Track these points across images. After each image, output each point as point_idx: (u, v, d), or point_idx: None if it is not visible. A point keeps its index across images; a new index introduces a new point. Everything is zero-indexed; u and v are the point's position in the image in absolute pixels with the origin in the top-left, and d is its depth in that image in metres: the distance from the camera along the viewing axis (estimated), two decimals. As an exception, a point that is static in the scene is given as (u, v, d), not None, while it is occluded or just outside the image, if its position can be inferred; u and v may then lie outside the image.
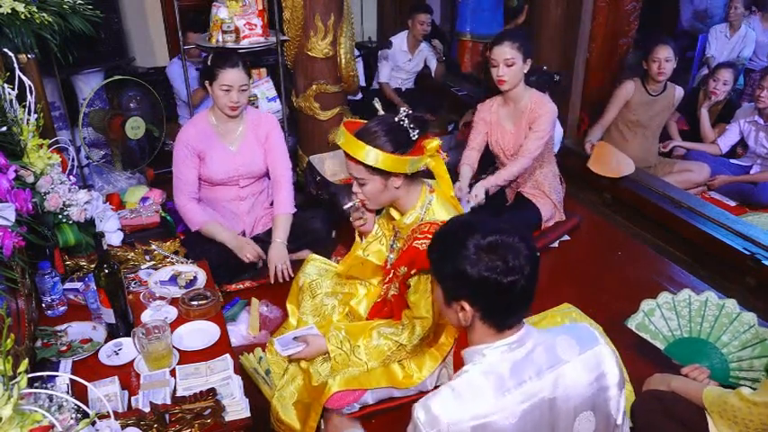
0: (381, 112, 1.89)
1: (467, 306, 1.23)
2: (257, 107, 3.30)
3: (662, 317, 2.25)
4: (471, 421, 1.15)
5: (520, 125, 2.94)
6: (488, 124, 3.05)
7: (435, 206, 1.86)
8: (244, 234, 2.74)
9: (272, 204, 2.82)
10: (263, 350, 2.26)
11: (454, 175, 2.45)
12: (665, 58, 3.43)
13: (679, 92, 3.61)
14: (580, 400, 1.24)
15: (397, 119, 1.78)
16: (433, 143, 1.81)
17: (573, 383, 1.23)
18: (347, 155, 1.79)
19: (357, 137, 1.77)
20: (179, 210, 2.67)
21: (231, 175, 2.66)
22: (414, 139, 1.78)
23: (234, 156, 2.65)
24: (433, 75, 4.92)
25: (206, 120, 2.65)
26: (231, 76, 2.48)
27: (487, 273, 1.17)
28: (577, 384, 1.24)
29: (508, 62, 2.79)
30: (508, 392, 1.18)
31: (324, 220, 2.84)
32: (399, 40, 4.68)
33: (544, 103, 2.89)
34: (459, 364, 1.69)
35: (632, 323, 2.27)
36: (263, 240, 2.69)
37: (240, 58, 2.53)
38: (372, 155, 1.72)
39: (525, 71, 2.85)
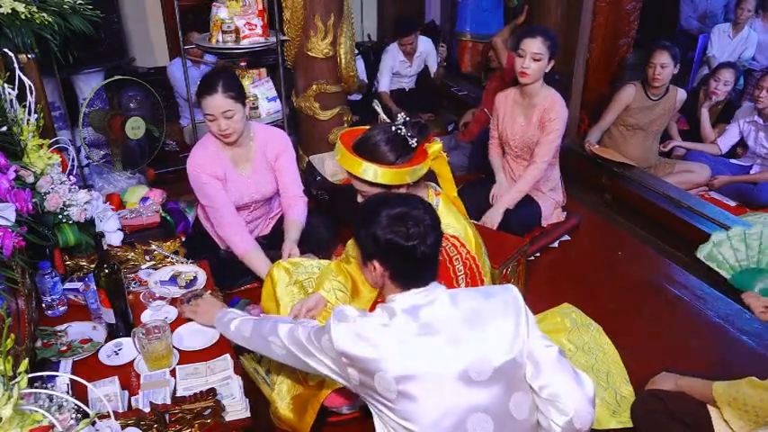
0: (382, 115, 1.88)
1: (377, 265, 1.42)
2: (257, 107, 3.29)
3: (731, 247, 2.22)
4: (367, 333, 1.34)
5: (530, 120, 2.96)
6: (503, 113, 3.07)
7: (442, 210, 1.85)
8: None
9: (272, 217, 2.79)
10: None
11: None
12: (660, 63, 3.40)
13: (681, 94, 3.59)
14: (476, 343, 1.34)
15: (394, 128, 1.77)
16: (435, 146, 1.80)
17: (470, 327, 1.36)
18: (346, 170, 1.79)
19: (355, 150, 1.77)
20: (224, 239, 2.53)
21: (245, 202, 2.56)
22: (413, 146, 1.77)
23: (246, 182, 2.53)
24: (432, 75, 4.93)
25: (215, 143, 2.47)
26: (211, 104, 2.29)
27: (391, 236, 1.38)
28: (475, 328, 1.36)
29: (535, 56, 2.80)
30: (405, 324, 1.35)
31: (328, 227, 2.81)
32: (396, 51, 4.71)
33: (558, 106, 2.90)
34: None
35: (701, 253, 2.25)
36: (264, 244, 2.68)
37: (221, 82, 2.29)
38: (371, 171, 1.73)
39: (547, 70, 2.87)
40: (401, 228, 1.37)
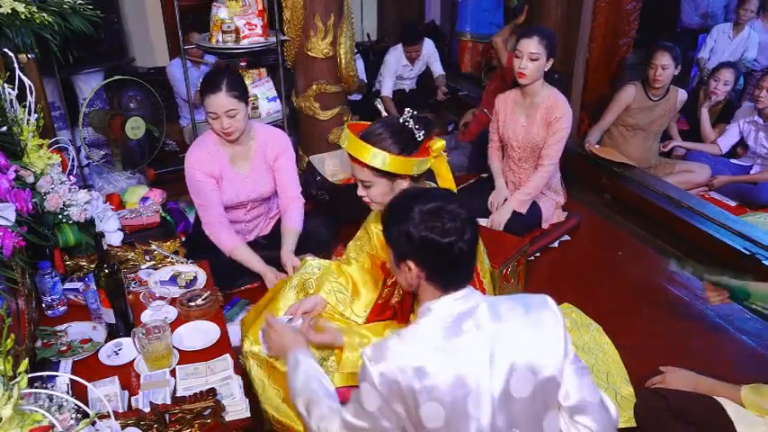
0: (384, 114, 1.88)
1: (412, 266, 1.34)
2: (257, 107, 3.29)
3: None
4: (414, 362, 1.24)
5: (533, 119, 2.96)
6: (504, 115, 3.06)
7: None
8: None
9: (271, 217, 2.79)
10: None
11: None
12: (661, 65, 3.40)
13: (681, 95, 3.58)
14: (517, 358, 1.29)
15: (401, 120, 1.78)
16: (439, 143, 1.81)
17: (512, 341, 1.29)
18: (352, 157, 1.78)
19: (362, 139, 1.77)
20: (210, 237, 2.54)
21: (241, 200, 2.56)
22: (419, 140, 1.78)
23: (244, 180, 2.53)
24: (434, 76, 4.92)
25: (215, 141, 2.48)
26: (214, 102, 2.30)
27: (426, 233, 1.29)
28: (516, 343, 1.29)
29: (532, 56, 2.80)
30: (449, 340, 1.27)
31: (328, 227, 2.81)
32: (398, 54, 4.71)
33: (562, 104, 2.90)
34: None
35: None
36: (263, 245, 2.69)
37: (225, 80, 2.30)
38: (379, 157, 1.71)
39: (546, 69, 2.87)
40: (437, 223, 1.29)
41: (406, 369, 1.24)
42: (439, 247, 1.29)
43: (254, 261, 2.49)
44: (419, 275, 1.34)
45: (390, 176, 1.77)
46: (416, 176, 1.82)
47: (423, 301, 1.38)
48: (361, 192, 1.85)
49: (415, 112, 1.80)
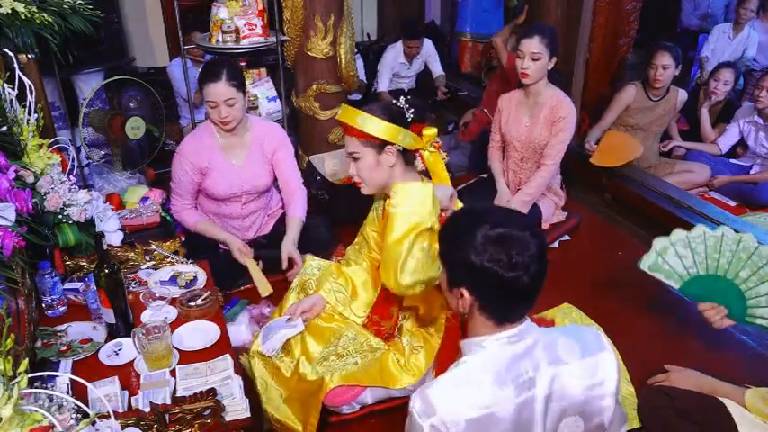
0: None
1: (466, 294, 1.23)
2: (257, 107, 3.29)
3: (676, 255, 2.10)
4: (467, 413, 1.16)
5: (537, 119, 2.95)
6: (507, 114, 3.06)
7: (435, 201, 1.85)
8: None
9: (271, 215, 2.81)
10: None
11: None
12: (662, 65, 3.39)
13: (682, 95, 3.58)
14: (570, 402, 1.24)
15: (394, 101, 1.84)
16: (431, 131, 1.84)
17: (567, 385, 1.23)
18: (343, 127, 1.83)
19: None
20: (174, 215, 2.70)
21: (234, 192, 2.59)
22: (409, 120, 1.82)
23: (238, 171, 2.56)
24: (434, 76, 4.92)
25: (210, 132, 2.54)
26: (213, 91, 2.34)
27: (489, 264, 1.16)
28: (571, 387, 1.23)
29: (534, 56, 2.79)
30: (505, 386, 1.18)
31: (328, 227, 2.82)
32: (396, 52, 4.70)
33: (566, 104, 2.89)
34: (452, 357, 1.71)
35: (645, 264, 2.15)
36: (264, 244, 2.69)
37: (225, 70, 2.35)
38: (368, 122, 1.76)
39: (549, 68, 2.86)
40: (502, 255, 1.15)
41: (459, 422, 1.15)
42: (501, 280, 1.16)
43: (216, 231, 2.61)
44: (473, 304, 1.24)
45: (377, 147, 1.79)
46: (404, 152, 1.83)
47: (473, 331, 1.28)
48: (351, 170, 1.88)
49: (409, 97, 1.85)
